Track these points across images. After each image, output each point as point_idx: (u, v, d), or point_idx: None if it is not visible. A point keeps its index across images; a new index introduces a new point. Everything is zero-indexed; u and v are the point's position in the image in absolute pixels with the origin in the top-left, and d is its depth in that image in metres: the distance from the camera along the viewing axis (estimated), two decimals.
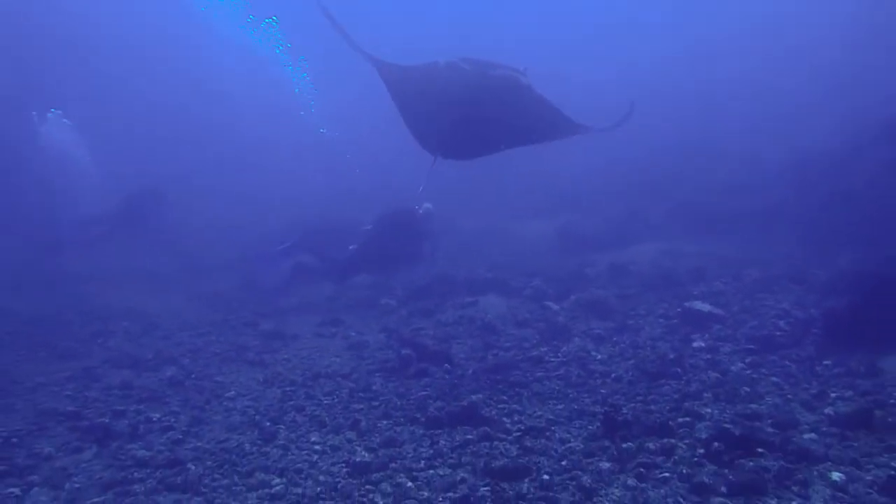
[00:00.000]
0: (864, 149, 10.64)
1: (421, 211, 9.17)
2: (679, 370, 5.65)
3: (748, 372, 5.50)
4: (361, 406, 5.31)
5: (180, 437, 4.74)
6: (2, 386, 5.63)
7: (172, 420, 5.06)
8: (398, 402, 5.34)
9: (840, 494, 3.40)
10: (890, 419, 4.18)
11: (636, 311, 7.74)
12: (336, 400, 5.47)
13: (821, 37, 19.07)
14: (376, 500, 3.73)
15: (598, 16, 28.04)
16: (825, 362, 5.48)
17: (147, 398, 5.53)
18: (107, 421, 4.97)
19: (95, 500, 3.82)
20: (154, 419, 5.07)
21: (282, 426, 4.93)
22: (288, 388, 5.77)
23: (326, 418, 5.04)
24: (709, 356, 5.98)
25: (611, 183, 15.40)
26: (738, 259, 9.29)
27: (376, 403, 5.36)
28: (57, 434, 4.79)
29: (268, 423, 4.95)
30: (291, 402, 5.42)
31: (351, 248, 9.26)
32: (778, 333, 6.33)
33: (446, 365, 6.28)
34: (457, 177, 16.39)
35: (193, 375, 6.13)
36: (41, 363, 6.48)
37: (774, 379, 5.27)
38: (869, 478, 3.52)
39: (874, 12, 17.79)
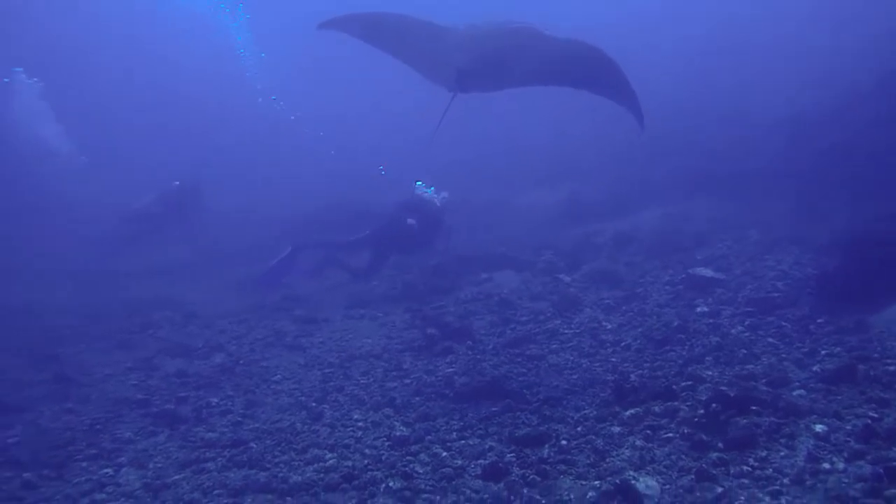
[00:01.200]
0: (860, 102, 10.89)
1: (438, 201, 9.46)
2: (683, 336, 6.10)
3: (746, 334, 5.93)
4: (395, 384, 5.82)
5: (239, 419, 5.29)
6: (75, 377, 6.19)
7: (229, 404, 5.60)
8: (428, 379, 5.85)
9: (822, 444, 3.85)
10: (872, 372, 4.62)
11: (644, 278, 8.18)
12: (372, 379, 5.99)
13: None
14: (417, 469, 4.23)
15: None
16: (818, 321, 5.90)
17: (204, 384, 6.08)
18: (173, 407, 5.53)
19: (176, 477, 4.37)
20: (213, 403, 5.62)
21: (326, 406, 5.45)
22: (327, 370, 6.30)
23: (365, 397, 5.56)
24: (711, 321, 6.41)
25: (610, 148, 15.66)
26: (740, 220, 9.63)
27: (408, 381, 5.88)
28: (132, 420, 5.35)
29: (313, 404, 5.48)
30: (332, 384, 5.95)
31: (367, 232, 9.62)
32: (776, 295, 6.74)
33: (468, 342, 6.77)
34: (462, 150, 16.74)
35: (241, 361, 6.67)
36: (103, 355, 7.04)
37: (770, 340, 5.71)
38: (848, 427, 3.97)
39: None
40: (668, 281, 7.86)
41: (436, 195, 9.62)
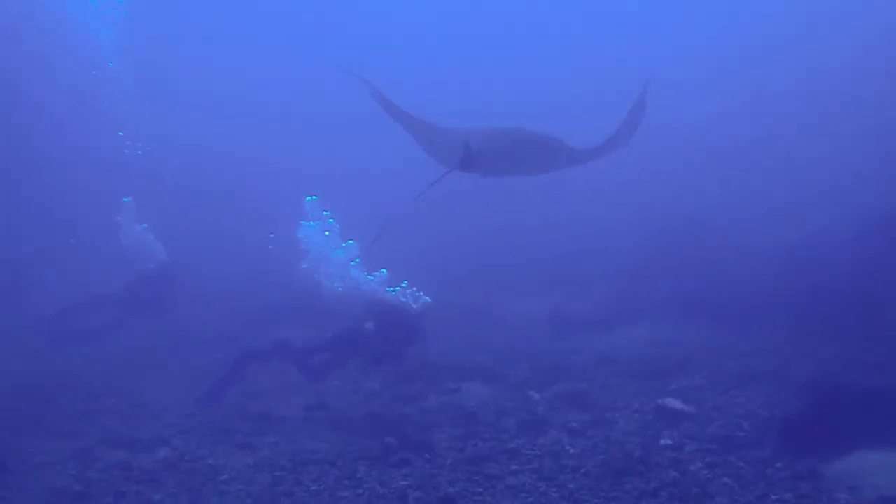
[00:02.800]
0: (862, 242, 11.98)
1: (416, 306, 9.38)
2: (643, 468, 6.75)
3: (705, 472, 6.59)
4: (346, 493, 6.37)
5: None
6: (8, 464, 6.68)
7: (172, 502, 6.12)
8: (381, 491, 6.41)
9: None
10: None
11: (615, 403, 8.87)
12: (323, 487, 6.54)
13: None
14: None
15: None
16: (776, 465, 6.59)
17: (146, 479, 6.58)
18: (111, 502, 6.03)
19: None
20: (155, 500, 6.13)
21: None
22: (277, 474, 6.84)
23: None
24: (673, 454, 7.08)
25: (606, 257, 16.68)
26: (721, 349, 10.44)
27: (360, 491, 6.43)
28: None
29: None
30: (281, 488, 6.49)
31: (327, 335, 9.51)
32: (740, 434, 7.47)
33: (426, 455, 7.36)
34: (446, 249, 17.65)
35: (187, 457, 7.19)
36: (39, 440, 7.53)
37: (726, 480, 6.37)
38: None
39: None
40: (639, 409, 8.56)
41: (414, 298, 9.55)
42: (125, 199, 12.64)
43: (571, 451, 7.44)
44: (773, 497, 5.88)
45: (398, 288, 9.72)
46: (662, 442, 7.47)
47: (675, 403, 8.37)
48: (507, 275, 16.64)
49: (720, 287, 13.03)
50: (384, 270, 10.01)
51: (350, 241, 10.70)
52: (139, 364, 10.87)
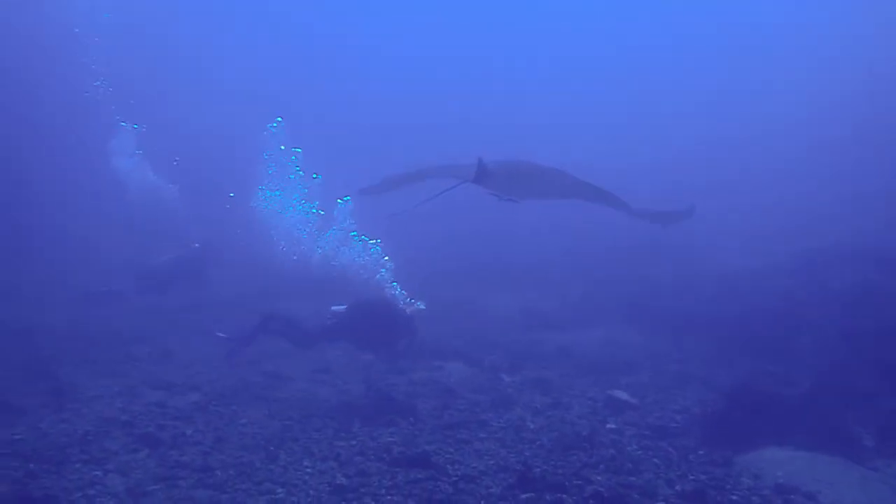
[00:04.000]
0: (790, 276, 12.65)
1: (409, 311, 9.23)
2: (588, 445, 7.30)
3: (639, 453, 7.15)
4: (342, 443, 6.92)
5: (208, 450, 6.33)
6: (69, 394, 7.20)
7: (200, 437, 6.65)
8: (370, 444, 6.95)
9: None
10: (718, 499, 5.88)
11: (572, 390, 9.43)
12: (323, 436, 7.08)
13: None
14: None
15: None
16: (698, 452, 7.17)
17: (180, 416, 7.11)
18: (152, 431, 6.56)
19: (153, 487, 5.40)
20: (187, 434, 6.66)
21: (282, 451, 6.53)
22: (286, 422, 7.39)
23: (315, 449, 6.65)
24: (615, 437, 7.64)
25: (580, 265, 17.27)
26: (666, 354, 11.04)
27: (354, 442, 6.97)
28: (118, 437, 6.37)
29: (272, 448, 6.55)
30: (289, 434, 7.03)
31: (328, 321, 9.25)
32: (673, 425, 8.04)
33: (411, 418, 7.90)
34: (436, 251, 18.17)
35: (213, 403, 7.72)
36: (90, 377, 8.05)
37: (656, 460, 6.94)
38: None
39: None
40: (591, 397, 9.12)
41: (409, 303, 9.43)
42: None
43: (531, 426, 7.99)
44: (690, 477, 6.44)
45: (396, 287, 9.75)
46: (608, 426, 8.04)
47: (621, 395, 8.93)
48: (487, 274, 17.17)
49: (672, 300, 13.67)
50: (395, 284, 9.96)
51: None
52: (168, 321, 11.37)
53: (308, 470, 6.12)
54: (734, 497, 5.91)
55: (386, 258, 10.45)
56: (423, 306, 9.26)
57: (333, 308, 9.22)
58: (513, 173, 7.20)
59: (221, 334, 9.49)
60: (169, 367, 8.86)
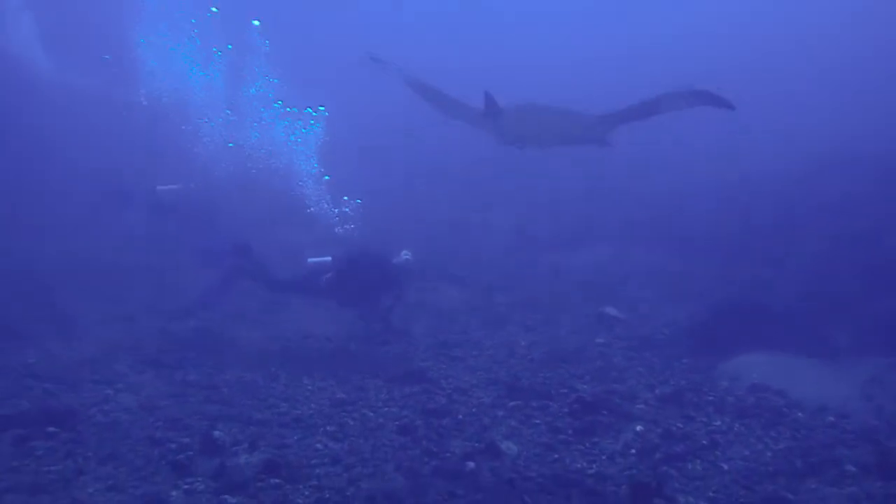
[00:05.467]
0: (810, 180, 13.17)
1: (396, 261, 8.50)
2: (576, 357, 8.05)
3: (624, 363, 7.91)
4: (341, 361, 7.64)
5: (211, 371, 7.06)
6: (75, 319, 7.91)
7: (204, 359, 7.37)
8: (367, 362, 7.68)
9: (636, 438, 5.82)
10: (695, 399, 6.64)
11: (563, 308, 10.15)
12: (323, 354, 7.81)
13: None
14: (349, 421, 6.07)
15: None
16: (682, 360, 7.93)
17: (181, 341, 7.82)
18: (156, 354, 7.27)
19: (165, 401, 6.14)
20: (190, 357, 7.38)
21: (282, 371, 7.25)
22: (286, 344, 8.11)
23: (314, 369, 7.38)
24: (602, 350, 8.39)
25: (571, 187, 17.72)
26: (663, 269, 11.71)
27: (351, 360, 7.70)
28: (125, 359, 7.08)
29: (273, 368, 7.28)
30: (288, 355, 7.75)
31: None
32: (660, 337, 8.80)
33: (405, 338, 8.62)
34: (426, 165, 18.52)
35: (211, 328, 8.42)
36: (95, 302, 8.75)
37: (640, 369, 7.70)
38: (659, 430, 5.94)
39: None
40: (584, 314, 9.85)
41: (396, 255, 8.59)
42: None
43: (523, 343, 8.72)
44: (671, 382, 7.20)
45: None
46: (597, 340, 8.78)
47: (611, 311, 9.67)
48: (479, 194, 17.59)
49: (673, 216, 14.22)
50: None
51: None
52: (161, 251, 11.89)
53: (308, 387, 6.85)
54: (710, 398, 6.68)
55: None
56: (409, 255, 8.50)
57: (311, 260, 8.56)
58: (531, 116, 7.00)
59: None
60: (166, 296, 9.48)
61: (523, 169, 19.14)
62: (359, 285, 8.26)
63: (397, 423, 6.07)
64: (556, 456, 5.53)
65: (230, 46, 12.49)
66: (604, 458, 5.51)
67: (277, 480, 4.88)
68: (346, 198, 9.51)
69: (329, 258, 8.56)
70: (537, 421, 6.22)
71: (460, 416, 6.27)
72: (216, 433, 5.43)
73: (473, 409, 6.45)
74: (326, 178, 10.05)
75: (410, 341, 8.56)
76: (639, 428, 5.99)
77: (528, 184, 17.08)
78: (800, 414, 6.26)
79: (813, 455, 5.37)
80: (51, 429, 5.36)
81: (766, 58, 23.57)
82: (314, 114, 11.09)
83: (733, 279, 10.29)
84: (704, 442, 5.71)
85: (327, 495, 4.73)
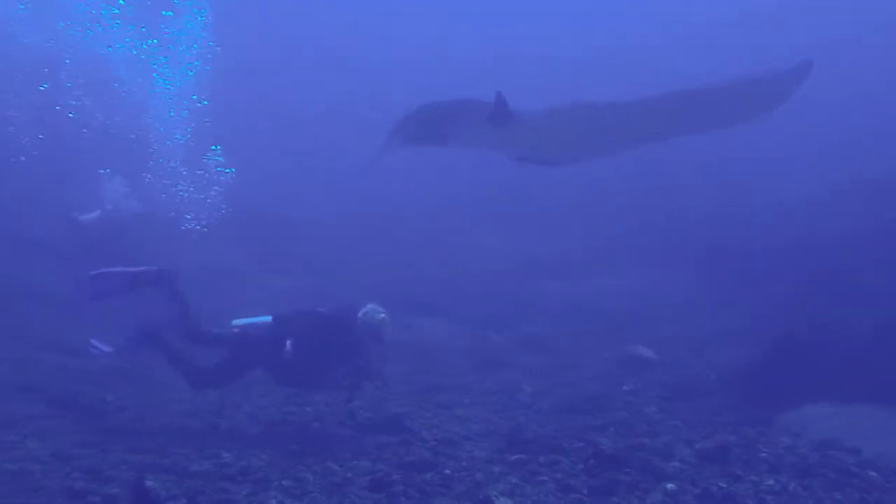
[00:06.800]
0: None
1: (363, 317, 7.85)
2: (596, 407, 8.54)
3: (658, 415, 8.41)
4: (294, 409, 8.08)
5: (134, 416, 7.48)
6: None
7: (125, 402, 7.79)
8: (329, 409, 8.12)
9: (667, 499, 6.29)
10: (744, 456, 7.13)
11: (579, 349, 10.68)
12: (270, 402, 8.25)
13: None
14: (308, 476, 6.48)
15: None
16: (731, 412, 8.44)
17: (97, 381, 8.23)
18: (66, 395, 7.69)
19: (82, 450, 6.55)
20: (108, 401, 7.80)
21: (223, 420, 7.68)
22: (225, 389, 8.54)
23: (262, 416, 7.81)
24: (630, 398, 8.89)
25: (587, 192, 18.32)
26: (702, 301, 12.29)
27: (308, 409, 8.13)
28: (28, 402, 7.51)
29: (212, 416, 7.70)
30: (230, 400, 8.18)
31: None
32: (702, 383, 9.33)
33: (378, 383, 9.06)
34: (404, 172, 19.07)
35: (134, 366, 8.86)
36: None
37: (676, 422, 8.19)
38: (697, 491, 6.42)
39: None
40: (603, 356, 10.38)
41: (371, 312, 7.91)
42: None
43: (527, 389, 9.22)
44: (715, 437, 7.65)
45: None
46: (624, 387, 9.29)
47: (643, 351, 10.21)
48: (465, 206, 18.15)
49: (709, 234, 14.85)
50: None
51: None
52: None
53: (255, 437, 7.28)
54: (763, 455, 7.15)
55: None
56: (383, 315, 7.83)
57: (236, 323, 7.96)
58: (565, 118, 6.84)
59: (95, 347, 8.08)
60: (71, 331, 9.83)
61: (524, 180, 19.85)
62: (303, 358, 7.58)
63: (369, 477, 6.48)
64: None
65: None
66: None
67: None
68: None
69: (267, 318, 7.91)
70: (544, 478, 6.64)
71: (447, 471, 6.66)
72: (148, 483, 5.84)
73: (464, 464, 6.88)
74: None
75: (383, 386, 8.99)
76: (670, 486, 6.45)
77: (530, 198, 17.73)
78: (873, 473, 6.75)
79: None
80: None
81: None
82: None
83: (790, 314, 10.85)
84: (750, 503, 6.19)
85: None
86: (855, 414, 7.86)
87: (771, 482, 6.58)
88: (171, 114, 13.58)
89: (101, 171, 13.51)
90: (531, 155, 7.33)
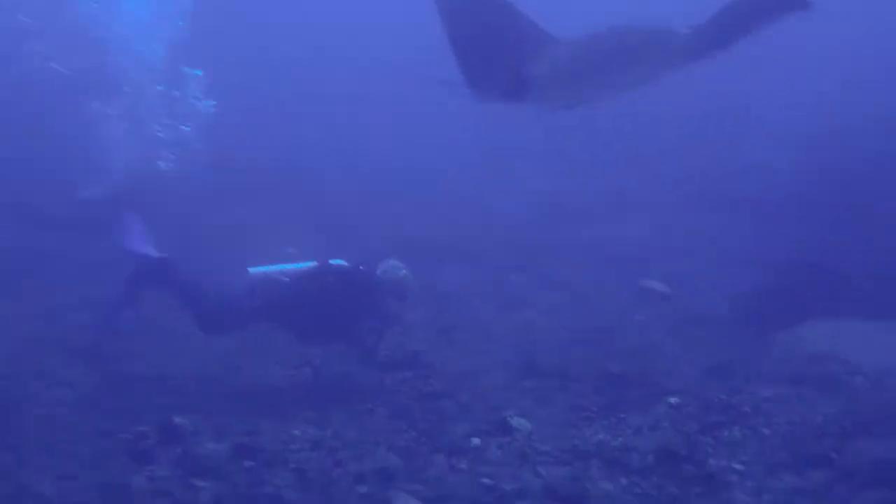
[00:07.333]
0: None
1: (383, 275, 7.73)
2: (609, 339, 8.88)
3: (667, 341, 8.75)
4: (316, 349, 8.43)
5: (157, 363, 7.94)
6: None
7: (146, 350, 8.25)
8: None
9: (673, 411, 6.64)
10: (743, 371, 7.48)
11: (594, 287, 10.99)
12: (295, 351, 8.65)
13: None
14: (331, 410, 6.91)
15: None
16: (737, 334, 8.78)
17: (117, 332, 8.65)
18: (89, 346, 8.13)
19: (107, 395, 7.01)
20: (129, 348, 8.25)
21: (244, 359, 8.11)
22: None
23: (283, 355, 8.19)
24: (641, 328, 9.23)
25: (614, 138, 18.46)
26: (715, 237, 12.52)
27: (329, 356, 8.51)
28: (53, 353, 7.96)
29: (235, 358, 8.13)
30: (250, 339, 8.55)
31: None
32: (712, 311, 9.65)
33: (397, 326, 9.43)
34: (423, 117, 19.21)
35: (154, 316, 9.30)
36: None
37: (683, 346, 8.54)
38: (697, 403, 6.76)
39: None
40: (618, 290, 10.70)
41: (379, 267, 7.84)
42: None
43: (541, 324, 9.59)
44: (718, 356, 8.04)
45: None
46: (636, 318, 9.63)
47: (654, 284, 10.52)
48: (487, 152, 18.30)
49: (715, 180, 15.07)
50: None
51: None
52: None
53: (279, 374, 7.75)
54: (762, 370, 7.52)
55: None
56: (402, 269, 7.77)
57: (252, 271, 7.81)
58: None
59: None
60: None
61: (539, 124, 20.01)
62: (324, 314, 7.47)
63: (388, 408, 6.92)
64: (574, 431, 6.37)
65: None
66: (630, 431, 6.34)
67: (251, 464, 5.72)
68: None
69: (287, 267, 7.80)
70: (557, 400, 7.07)
71: (464, 399, 7.12)
72: (177, 420, 6.29)
73: (480, 392, 7.30)
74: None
75: (403, 329, 9.36)
76: (674, 400, 6.83)
77: (546, 142, 17.82)
78: (860, 379, 7.14)
79: (866, 416, 6.21)
80: None
81: None
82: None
83: (796, 243, 11.12)
84: (747, 409, 6.55)
85: (310, 475, 5.56)
86: (848, 329, 8.28)
87: (768, 392, 6.97)
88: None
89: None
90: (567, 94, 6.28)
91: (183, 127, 13.07)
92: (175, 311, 8.12)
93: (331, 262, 7.81)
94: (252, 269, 7.79)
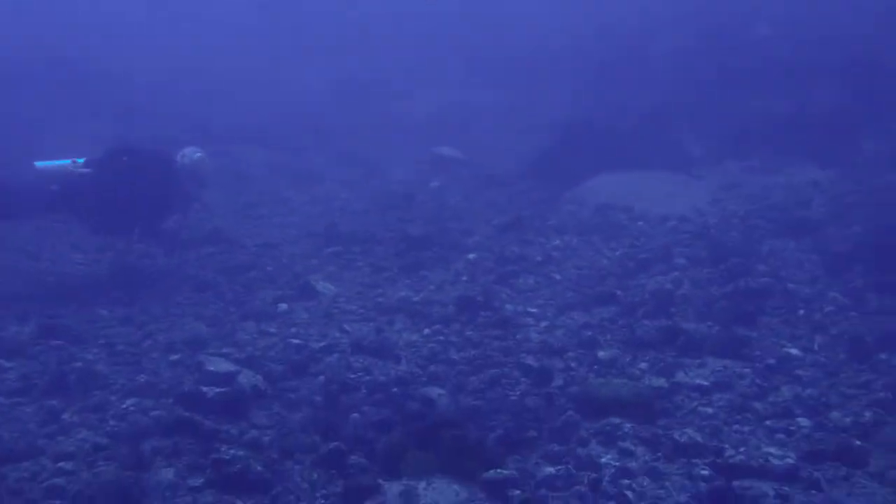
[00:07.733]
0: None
1: (182, 159, 7.43)
2: (405, 203, 9.21)
3: (463, 204, 9.18)
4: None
5: None
6: None
7: None
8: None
9: (468, 266, 7.07)
10: (535, 225, 8.02)
11: (391, 158, 11.29)
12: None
13: None
14: (133, 286, 6.89)
15: None
16: (527, 191, 9.34)
17: None
18: None
19: None
20: None
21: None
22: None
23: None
24: (437, 193, 9.62)
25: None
26: (511, 106, 13.08)
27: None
28: None
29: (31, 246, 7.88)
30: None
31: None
32: (499, 172, 10.18)
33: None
34: None
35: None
36: None
37: (479, 206, 9.00)
38: (493, 256, 7.23)
39: None
40: (414, 159, 11.03)
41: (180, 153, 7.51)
42: None
43: (344, 195, 9.79)
44: (511, 214, 8.54)
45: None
46: (432, 184, 10.00)
47: (447, 151, 10.92)
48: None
49: (511, 58, 15.63)
50: None
51: None
52: None
53: (77, 259, 7.60)
54: (552, 222, 8.09)
55: None
56: (199, 153, 7.50)
57: (39, 165, 7.23)
58: None
59: None
60: None
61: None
62: (122, 200, 7.05)
63: (195, 282, 6.97)
64: (378, 291, 6.68)
65: None
66: (431, 287, 6.73)
67: (59, 342, 5.67)
68: None
69: (72, 162, 7.21)
70: (359, 264, 7.34)
71: (269, 269, 7.26)
72: None
73: (284, 261, 7.46)
74: None
75: (203, 208, 9.32)
76: (471, 256, 7.26)
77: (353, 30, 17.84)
78: (641, 223, 7.82)
79: (647, 255, 6.88)
80: None
81: None
82: None
83: (581, 105, 11.82)
84: (539, 259, 7.08)
85: (120, 349, 5.60)
86: (631, 181, 8.93)
87: (557, 242, 7.53)
88: None
89: None
90: None
91: None
92: None
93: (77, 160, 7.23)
94: (39, 164, 7.22)
